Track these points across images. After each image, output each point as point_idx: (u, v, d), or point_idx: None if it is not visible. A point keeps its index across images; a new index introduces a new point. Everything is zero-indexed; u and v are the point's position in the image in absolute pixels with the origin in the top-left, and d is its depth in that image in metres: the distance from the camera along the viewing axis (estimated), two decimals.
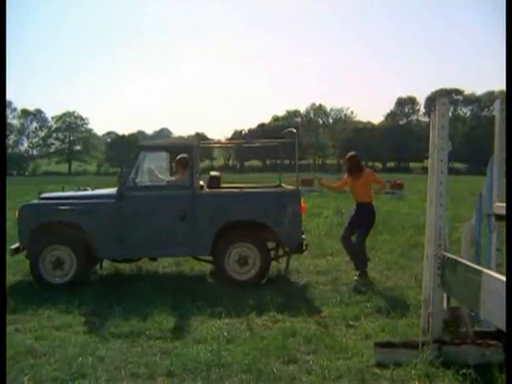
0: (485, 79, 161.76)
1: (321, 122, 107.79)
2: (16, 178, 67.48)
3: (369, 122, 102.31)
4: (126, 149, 71.09)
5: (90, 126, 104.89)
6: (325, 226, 12.83)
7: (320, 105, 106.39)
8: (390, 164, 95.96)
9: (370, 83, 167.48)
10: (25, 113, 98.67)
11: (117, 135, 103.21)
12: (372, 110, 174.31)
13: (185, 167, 7.96)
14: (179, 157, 8.21)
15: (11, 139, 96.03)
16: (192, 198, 7.53)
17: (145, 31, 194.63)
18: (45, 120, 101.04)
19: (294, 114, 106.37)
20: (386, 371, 4.48)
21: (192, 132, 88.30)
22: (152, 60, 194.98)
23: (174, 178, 8.15)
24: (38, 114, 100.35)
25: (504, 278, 3.51)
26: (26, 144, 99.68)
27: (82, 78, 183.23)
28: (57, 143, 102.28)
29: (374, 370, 4.54)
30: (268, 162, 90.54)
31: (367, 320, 5.94)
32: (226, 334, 5.39)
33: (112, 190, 7.88)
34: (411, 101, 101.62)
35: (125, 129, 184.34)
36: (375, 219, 8.10)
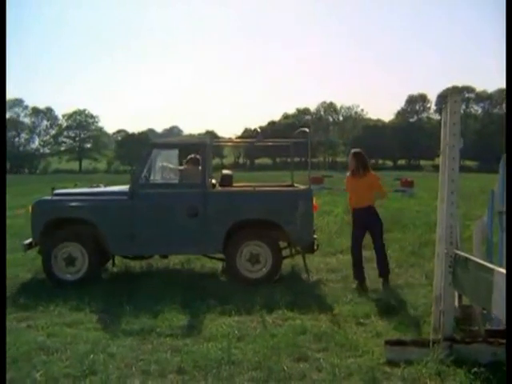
0: (497, 77, 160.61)
1: (331, 119, 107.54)
2: (27, 176, 68.07)
3: (379, 120, 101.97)
4: (136, 147, 71.22)
5: (100, 124, 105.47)
6: (335, 224, 12.81)
7: (330, 102, 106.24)
8: (401, 162, 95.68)
9: (380, 81, 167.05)
10: (36, 111, 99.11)
11: (127, 133, 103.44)
12: (382, 107, 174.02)
13: (195, 165, 7.98)
14: (189, 157, 8.26)
15: (22, 137, 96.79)
16: (204, 196, 7.54)
17: (156, 29, 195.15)
18: (55, 118, 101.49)
19: (304, 111, 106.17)
20: (396, 369, 4.47)
21: (202, 130, 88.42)
22: (162, 58, 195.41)
23: (183, 176, 8.15)
24: (48, 112, 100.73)
25: None
26: (36, 142, 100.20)
27: (92, 76, 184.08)
28: (67, 141, 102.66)
29: (384, 369, 4.53)
30: (278, 159, 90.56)
31: (378, 318, 5.92)
32: (236, 331, 5.39)
33: (124, 188, 7.91)
34: (422, 98, 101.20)
35: (135, 127, 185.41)
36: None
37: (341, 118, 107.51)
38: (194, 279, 7.77)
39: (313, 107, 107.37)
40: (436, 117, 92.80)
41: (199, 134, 68.52)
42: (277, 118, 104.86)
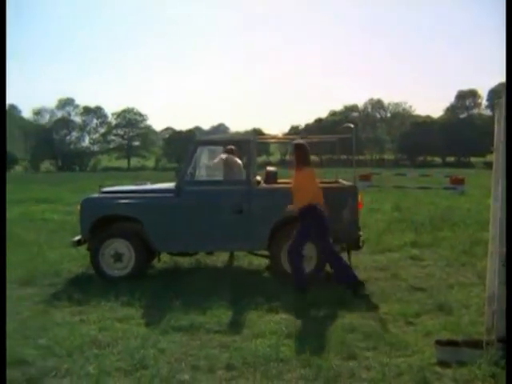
0: None
1: (378, 116, 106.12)
2: (78, 173, 69.72)
3: (428, 116, 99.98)
4: (183, 144, 71.77)
5: (148, 122, 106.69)
6: (383, 222, 12.64)
7: (378, 99, 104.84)
8: (450, 158, 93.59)
9: (429, 77, 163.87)
10: (86, 110, 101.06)
11: (174, 131, 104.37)
12: (431, 104, 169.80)
13: (234, 155, 8.11)
14: (227, 148, 8.39)
15: (73, 136, 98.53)
16: (248, 193, 7.57)
17: (202, 25, 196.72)
18: (105, 116, 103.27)
19: (351, 108, 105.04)
20: (448, 370, 4.38)
21: (249, 127, 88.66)
22: (209, 55, 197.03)
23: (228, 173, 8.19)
24: (98, 111, 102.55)
25: None
26: (87, 140, 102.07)
27: (141, 75, 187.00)
28: (116, 139, 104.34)
29: (435, 369, 4.44)
30: (324, 157, 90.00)
31: (428, 317, 5.83)
32: (284, 328, 5.38)
33: (170, 185, 8.01)
34: (472, 94, 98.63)
35: (182, 124, 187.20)
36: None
37: (388, 115, 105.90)
38: (241, 276, 7.81)
39: (360, 104, 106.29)
40: (487, 112, 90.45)
41: (245, 131, 68.80)
42: (324, 114, 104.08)
